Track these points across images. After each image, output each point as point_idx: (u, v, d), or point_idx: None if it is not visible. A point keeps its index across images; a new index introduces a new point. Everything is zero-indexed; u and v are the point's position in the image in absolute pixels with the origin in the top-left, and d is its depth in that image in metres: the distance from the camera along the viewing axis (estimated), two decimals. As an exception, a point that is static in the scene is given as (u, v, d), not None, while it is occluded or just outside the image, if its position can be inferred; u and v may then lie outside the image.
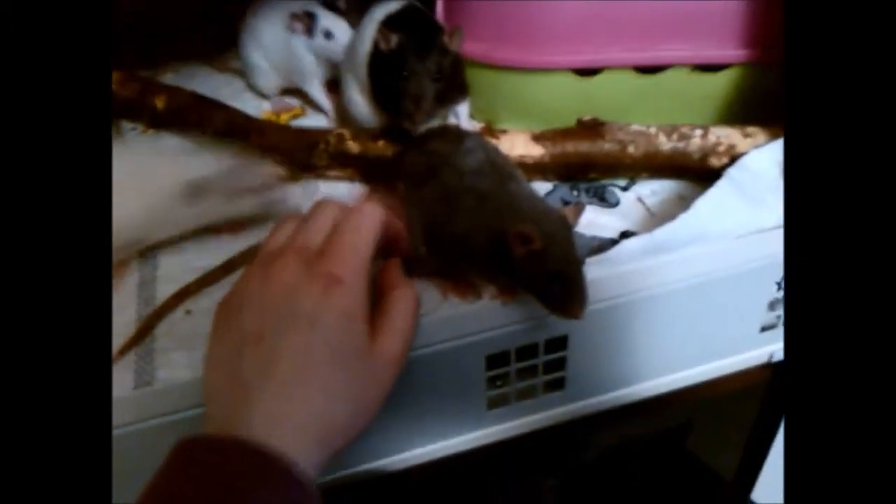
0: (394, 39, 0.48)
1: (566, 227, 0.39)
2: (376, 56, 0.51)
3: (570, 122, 0.53)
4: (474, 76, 0.54)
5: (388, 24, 0.50)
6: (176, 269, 0.48)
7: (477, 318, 0.42)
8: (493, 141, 0.52)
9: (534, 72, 0.54)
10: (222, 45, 0.71)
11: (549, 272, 0.38)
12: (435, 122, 0.52)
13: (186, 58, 0.71)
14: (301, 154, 0.54)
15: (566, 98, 0.55)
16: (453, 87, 0.51)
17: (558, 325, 0.44)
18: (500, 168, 0.44)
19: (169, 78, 0.68)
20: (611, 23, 0.52)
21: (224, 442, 0.30)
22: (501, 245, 0.38)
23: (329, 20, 0.59)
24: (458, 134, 0.48)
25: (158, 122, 0.60)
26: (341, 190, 0.55)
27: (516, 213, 0.39)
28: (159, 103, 0.59)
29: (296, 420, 0.31)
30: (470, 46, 0.53)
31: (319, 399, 0.32)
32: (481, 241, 0.40)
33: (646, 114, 0.54)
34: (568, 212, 0.40)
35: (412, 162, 0.47)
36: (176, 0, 0.76)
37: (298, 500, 0.29)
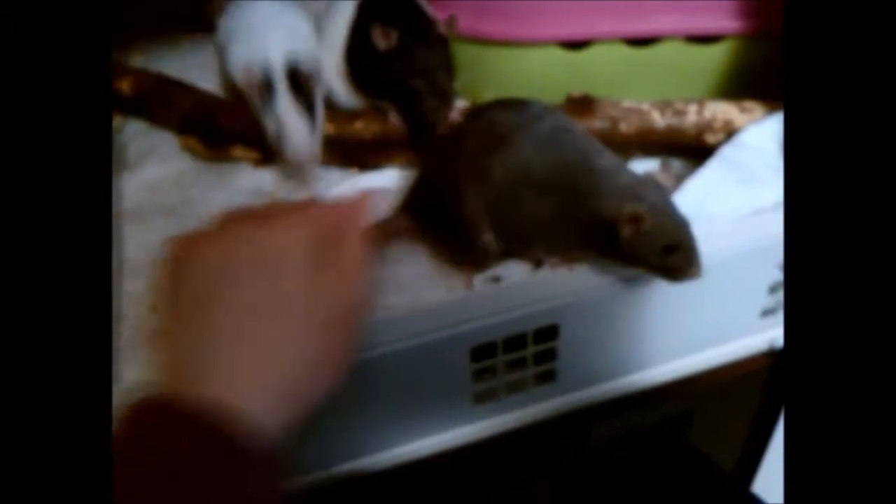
0: (393, 37, 0.46)
1: (664, 192, 0.39)
2: (363, 47, 0.48)
3: (560, 98, 0.51)
4: (458, 51, 0.52)
5: (372, 14, 0.48)
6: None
7: (459, 307, 0.40)
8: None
9: (520, 45, 0.52)
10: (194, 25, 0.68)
11: (664, 246, 0.37)
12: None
13: (154, 38, 0.68)
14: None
15: (554, 73, 0.52)
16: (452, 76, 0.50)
17: (547, 315, 0.41)
18: (576, 135, 0.42)
19: (137, 60, 0.65)
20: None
21: (183, 403, 0.28)
22: (604, 227, 0.37)
23: None
24: (518, 102, 0.44)
25: (125, 107, 0.57)
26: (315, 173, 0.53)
27: (617, 192, 0.38)
28: (125, 87, 0.56)
29: (257, 377, 0.30)
30: (452, 20, 0.50)
31: (280, 355, 0.30)
32: (575, 223, 0.39)
33: (639, 88, 0.52)
34: (660, 175, 0.40)
35: (469, 133, 0.43)
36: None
37: (260, 460, 0.28)
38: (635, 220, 0.37)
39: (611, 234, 0.38)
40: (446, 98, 0.48)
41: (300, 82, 0.49)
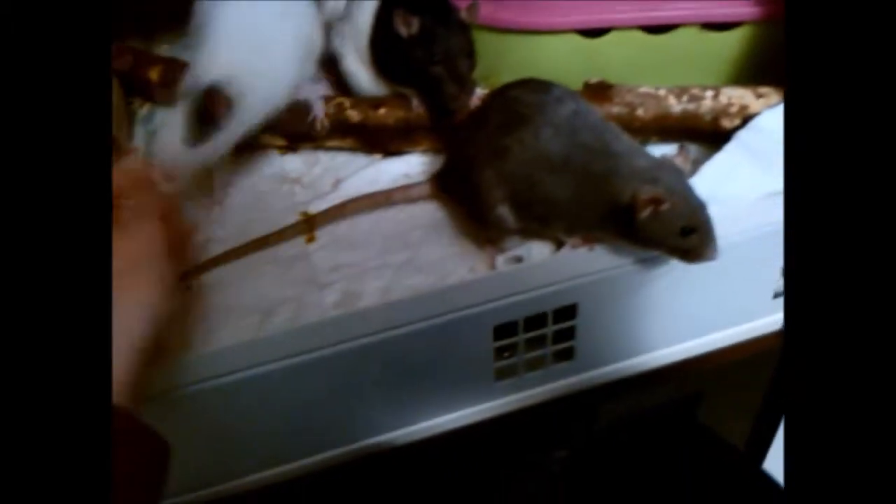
0: (415, 24, 0.47)
1: (681, 175, 0.40)
2: (386, 34, 0.49)
3: (577, 84, 0.52)
4: (477, 39, 0.52)
5: (395, 1, 0.49)
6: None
7: (483, 287, 0.41)
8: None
9: (538, 33, 0.52)
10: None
11: (681, 228, 0.38)
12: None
13: (181, 28, 0.69)
14: (298, 124, 0.53)
15: (572, 60, 0.53)
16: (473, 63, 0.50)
17: (567, 294, 0.43)
18: (595, 119, 0.43)
19: (164, 49, 0.66)
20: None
21: None
22: (620, 209, 0.38)
23: None
24: (541, 83, 0.45)
25: (153, 95, 0.59)
26: (341, 159, 0.54)
27: (634, 174, 0.39)
28: (154, 76, 0.58)
29: None
30: (472, 8, 0.51)
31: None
32: (592, 205, 0.40)
33: (656, 75, 0.52)
34: (677, 159, 0.40)
35: (492, 111, 0.45)
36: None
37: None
38: (653, 202, 0.37)
39: (628, 216, 0.39)
40: (467, 84, 0.48)
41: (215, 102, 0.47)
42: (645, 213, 0.38)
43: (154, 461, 0.30)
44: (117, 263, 0.30)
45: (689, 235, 0.38)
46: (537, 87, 0.44)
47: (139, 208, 0.34)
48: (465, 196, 0.47)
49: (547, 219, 0.44)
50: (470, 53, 0.49)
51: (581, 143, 0.41)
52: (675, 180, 0.39)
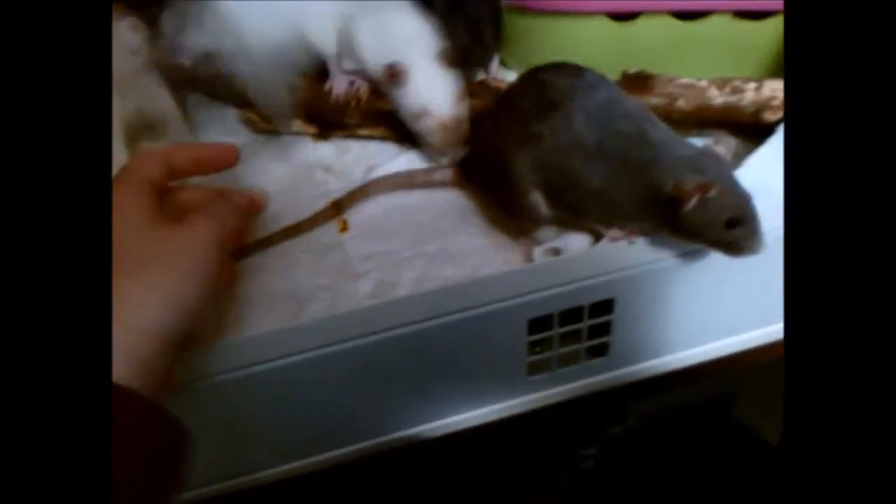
0: None
1: (725, 165, 0.39)
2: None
3: (610, 70, 0.50)
4: (508, 22, 0.52)
5: None
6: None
7: (519, 279, 0.40)
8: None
9: (568, 16, 0.52)
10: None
11: (728, 219, 0.37)
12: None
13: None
14: (331, 112, 0.52)
15: (603, 45, 0.52)
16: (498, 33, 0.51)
17: (604, 289, 0.42)
18: (630, 107, 0.42)
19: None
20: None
21: None
22: (662, 199, 0.37)
23: None
24: (574, 67, 0.44)
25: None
26: (373, 148, 0.54)
27: (677, 164, 0.38)
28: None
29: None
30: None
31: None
32: (630, 195, 0.39)
33: (689, 63, 0.51)
34: (720, 148, 0.40)
35: (522, 95, 0.44)
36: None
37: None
38: (700, 190, 0.36)
39: (670, 207, 0.38)
40: (489, 51, 0.50)
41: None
42: (691, 203, 0.37)
43: (173, 449, 0.29)
44: (146, 250, 0.30)
45: (734, 228, 0.37)
46: (569, 72, 0.43)
47: (191, 202, 0.35)
48: (494, 184, 0.46)
49: (581, 208, 0.43)
50: (496, 22, 0.51)
51: (616, 130, 0.40)
52: (721, 170, 0.38)
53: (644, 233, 0.41)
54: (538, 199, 0.43)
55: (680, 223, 0.38)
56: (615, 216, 0.42)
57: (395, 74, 0.47)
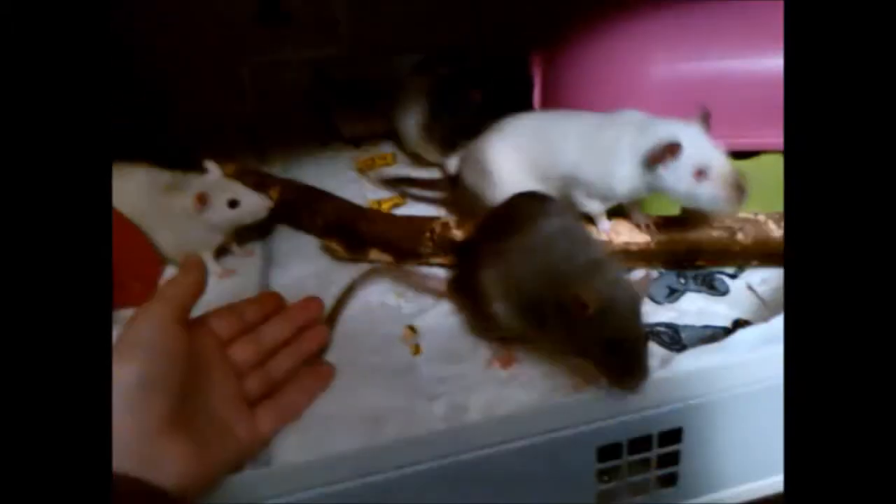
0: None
1: (632, 296, 0.39)
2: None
3: (667, 203, 0.53)
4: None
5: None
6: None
7: (588, 406, 0.41)
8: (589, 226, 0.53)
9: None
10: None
11: (606, 339, 0.38)
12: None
13: (291, 150, 0.76)
14: (407, 242, 0.56)
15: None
16: None
17: (673, 417, 0.42)
18: (576, 234, 0.45)
19: (276, 170, 0.73)
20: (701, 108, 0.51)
21: None
22: (565, 309, 0.38)
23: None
24: (542, 197, 0.49)
25: (273, 212, 0.64)
26: (444, 276, 0.57)
27: (580, 278, 0.40)
28: (273, 195, 0.63)
29: None
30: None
31: None
32: (550, 305, 0.41)
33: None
34: (637, 283, 0.40)
35: (497, 217, 0.49)
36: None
37: None
38: (582, 303, 0.37)
39: (567, 320, 0.39)
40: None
41: None
42: (578, 313, 0.38)
43: None
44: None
45: (615, 352, 0.38)
46: (537, 201, 0.48)
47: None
48: (469, 295, 0.50)
49: (530, 322, 0.45)
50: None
51: (556, 254, 0.43)
52: (620, 296, 0.39)
53: (563, 350, 0.43)
54: (500, 309, 0.46)
55: (575, 336, 0.39)
56: (547, 329, 0.43)
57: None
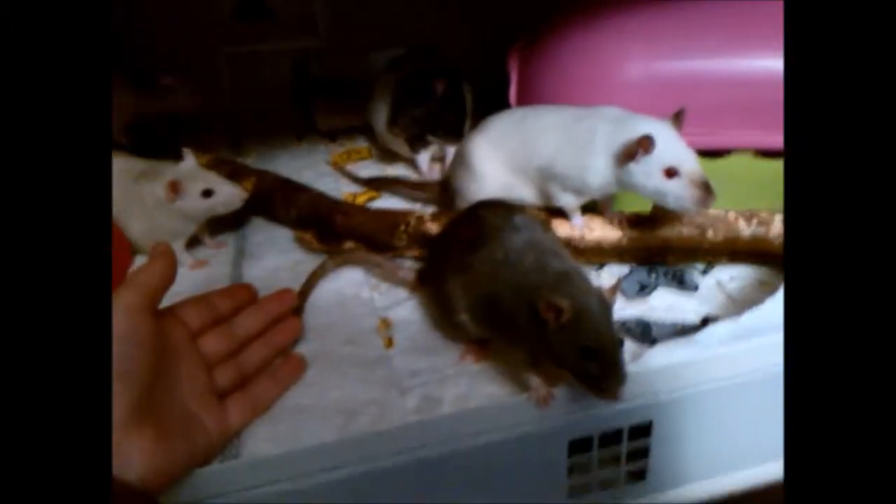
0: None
1: (604, 304, 0.40)
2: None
3: (639, 200, 0.53)
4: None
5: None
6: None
7: (560, 400, 0.42)
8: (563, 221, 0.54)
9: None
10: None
11: (581, 346, 0.38)
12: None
13: (268, 141, 0.76)
14: (382, 235, 0.56)
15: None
16: None
17: (643, 411, 0.43)
18: (544, 245, 0.45)
19: (252, 161, 0.72)
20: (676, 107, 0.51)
21: None
22: (537, 317, 0.39)
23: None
24: (507, 207, 0.49)
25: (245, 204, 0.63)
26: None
27: (552, 288, 0.40)
28: (247, 185, 0.62)
29: None
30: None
31: None
32: (521, 314, 0.41)
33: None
34: (605, 291, 0.41)
35: (462, 226, 0.49)
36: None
37: None
38: (556, 309, 0.37)
39: (541, 329, 0.39)
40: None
41: None
42: (551, 321, 0.38)
43: None
44: None
45: (592, 359, 0.38)
46: (503, 211, 0.48)
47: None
48: (437, 299, 0.50)
49: (498, 330, 0.45)
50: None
51: (525, 262, 0.43)
52: (592, 303, 0.39)
53: (538, 359, 0.43)
54: (466, 319, 0.47)
55: (548, 344, 0.39)
56: (521, 341, 0.43)
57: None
